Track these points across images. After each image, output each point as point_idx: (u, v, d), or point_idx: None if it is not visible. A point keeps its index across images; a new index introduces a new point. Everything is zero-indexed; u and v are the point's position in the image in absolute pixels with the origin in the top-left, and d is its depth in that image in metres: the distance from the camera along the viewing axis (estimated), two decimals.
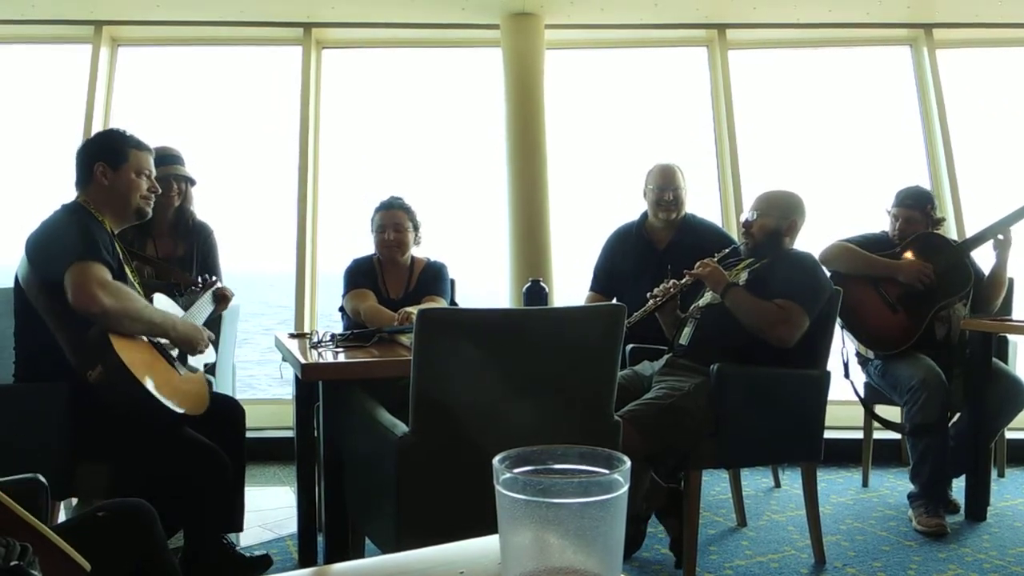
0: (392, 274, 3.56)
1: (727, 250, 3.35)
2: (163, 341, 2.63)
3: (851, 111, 6.70)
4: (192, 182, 3.53)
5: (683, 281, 3.23)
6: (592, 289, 4.09)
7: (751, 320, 3.01)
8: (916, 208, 3.84)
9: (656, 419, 2.81)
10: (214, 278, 3.30)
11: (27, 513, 1.08)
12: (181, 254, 3.45)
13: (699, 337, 3.15)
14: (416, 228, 3.57)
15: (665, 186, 3.87)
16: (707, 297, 3.23)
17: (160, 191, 2.87)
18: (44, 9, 5.13)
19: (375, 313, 3.27)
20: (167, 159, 3.37)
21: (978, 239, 3.77)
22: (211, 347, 3.03)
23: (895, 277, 3.71)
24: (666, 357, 3.24)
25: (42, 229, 2.60)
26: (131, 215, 2.78)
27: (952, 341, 3.70)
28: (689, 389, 2.90)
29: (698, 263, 3.21)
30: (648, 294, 3.29)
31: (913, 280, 3.67)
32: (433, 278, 3.54)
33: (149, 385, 2.40)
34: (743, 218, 3.36)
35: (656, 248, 3.90)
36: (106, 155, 2.71)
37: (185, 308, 2.95)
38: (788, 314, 2.97)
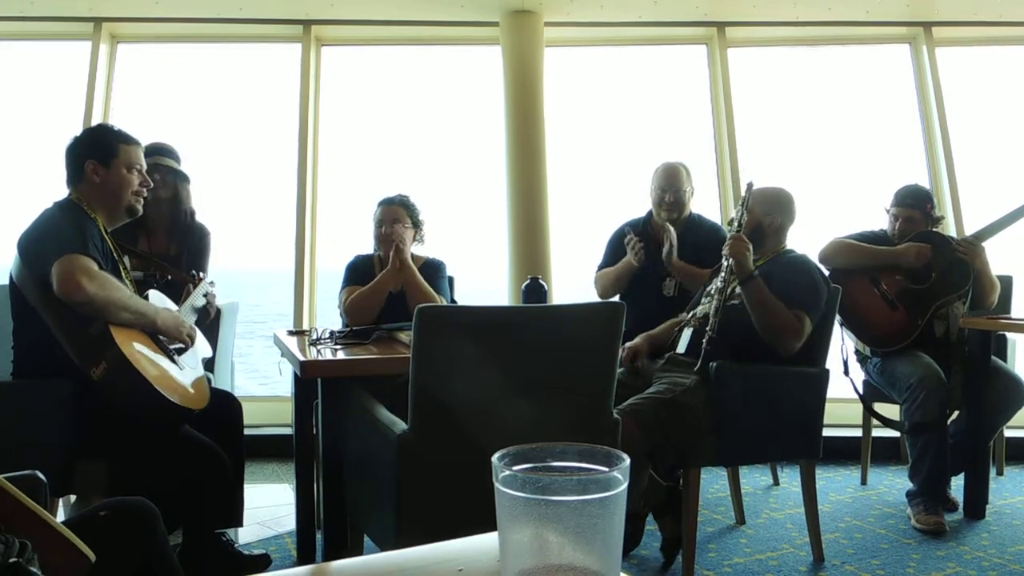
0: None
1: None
2: (162, 338, 2.63)
3: (850, 109, 6.70)
4: (186, 179, 3.48)
5: (726, 266, 3.08)
6: (600, 270, 4.05)
7: (765, 320, 2.97)
8: (916, 207, 3.85)
9: (656, 414, 2.80)
10: (202, 275, 3.27)
11: (31, 501, 1.08)
12: (174, 253, 3.42)
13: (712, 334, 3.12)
14: (417, 225, 3.56)
15: (666, 187, 3.86)
16: (706, 306, 3.19)
17: (152, 185, 2.86)
18: (44, 6, 5.12)
19: (354, 305, 3.29)
20: (153, 151, 3.32)
21: (978, 237, 3.77)
22: (206, 343, 3.03)
23: (898, 263, 3.72)
24: (667, 354, 3.23)
25: (34, 227, 2.60)
26: (123, 212, 2.77)
27: (951, 339, 3.71)
28: (690, 385, 2.90)
29: (730, 238, 3.06)
30: (712, 289, 3.18)
31: (915, 261, 3.67)
32: (432, 276, 3.54)
33: (152, 379, 2.40)
34: (732, 214, 3.35)
35: (660, 246, 3.89)
36: (96, 152, 2.69)
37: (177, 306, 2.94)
38: (802, 326, 2.96)
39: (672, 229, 3.78)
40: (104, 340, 2.40)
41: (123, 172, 2.71)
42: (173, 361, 2.62)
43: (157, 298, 2.82)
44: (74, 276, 2.39)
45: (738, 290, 3.07)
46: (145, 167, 2.82)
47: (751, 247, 3.06)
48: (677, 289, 3.77)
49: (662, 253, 3.73)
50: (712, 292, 3.16)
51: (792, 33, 5.64)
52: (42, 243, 2.53)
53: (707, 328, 3.01)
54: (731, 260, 3.03)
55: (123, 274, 2.71)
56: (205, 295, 3.17)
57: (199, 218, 3.56)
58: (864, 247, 3.81)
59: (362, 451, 2.48)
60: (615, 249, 4.06)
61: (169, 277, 3.16)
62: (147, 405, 2.41)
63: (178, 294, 3.07)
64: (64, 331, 2.49)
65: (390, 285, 3.33)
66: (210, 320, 3.28)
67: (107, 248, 2.65)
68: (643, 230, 3.98)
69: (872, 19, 5.42)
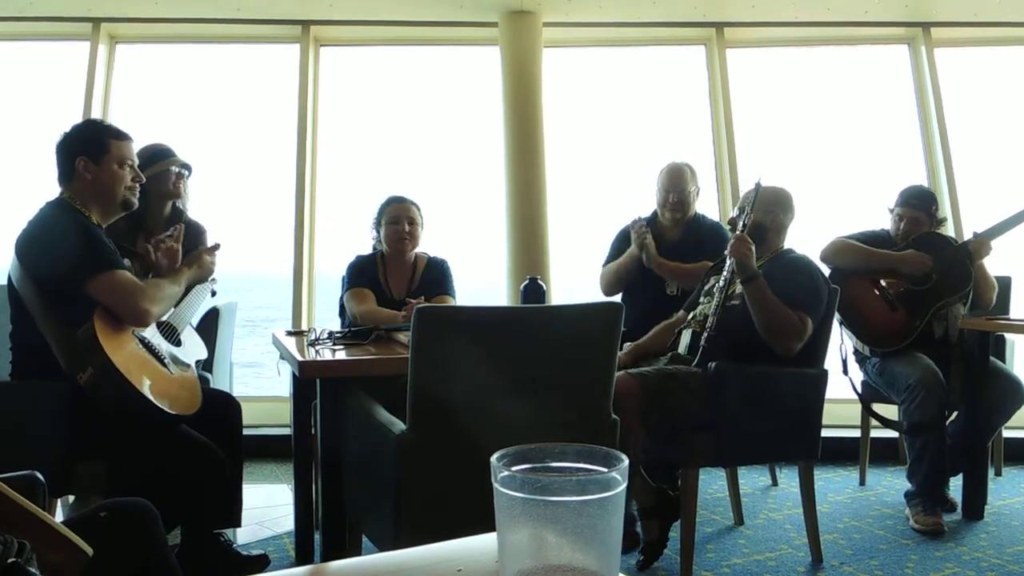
0: (395, 272, 3.55)
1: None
2: (153, 342, 2.62)
3: (849, 110, 6.72)
4: (189, 170, 3.48)
5: (728, 265, 3.10)
6: (606, 265, 4.06)
7: (768, 320, 2.96)
8: (921, 208, 3.84)
9: (660, 383, 2.85)
10: None
11: (26, 500, 1.08)
12: None
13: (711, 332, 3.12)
14: (422, 225, 3.58)
15: (670, 188, 3.87)
16: (705, 306, 3.19)
17: (144, 180, 2.82)
18: (42, 6, 5.12)
19: (370, 316, 3.26)
20: (161, 153, 3.32)
21: (983, 238, 3.77)
22: (201, 344, 3.02)
23: (897, 268, 3.72)
24: (670, 353, 3.23)
25: (33, 229, 2.57)
26: (117, 207, 2.73)
27: (950, 340, 3.70)
28: (695, 371, 2.93)
29: (733, 238, 3.06)
30: (715, 287, 3.18)
31: (915, 269, 3.67)
32: (438, 276, 3.54)
33: (140, 386, 2.39)
34: (731, 214, 3.35)
35: (665, 245, 3.89)
36: (87, 148, 2.66)
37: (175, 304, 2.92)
38: (805, 327, 2.96)
39: (647, 237, 3.79)
40: (91, 346, 2.37)
41: (115, 168, 2.67)
42: (163, 365, 2.61)
43: None
44: (135, 302, 2.50)
45: (739, 290, 3.07)
46: (137, 162, 2.79)
47: (753, 247, 3.05)
48: (680, 289, 3.77)
49: (675, 253, 3.75)
50: (712, 291, 3.17)
51: (791, 33, 5.65)
52: (48, 248, 2.51)
53: (705, 327, 3.02)
54: (733, 260, 3.03)
55: None
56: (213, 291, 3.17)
57: (196, 216, 3.55)
58: (866, 249, 3.80)
59: (361, 451, 2.48)
60: (620, 246, 4.05)
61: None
62: (136, 411, 2.40)
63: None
64: (52, 336, 2.49)
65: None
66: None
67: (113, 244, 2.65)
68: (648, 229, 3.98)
69: (871, 20, 5.42)
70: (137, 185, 2.77)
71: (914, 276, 3.70)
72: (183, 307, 2.92)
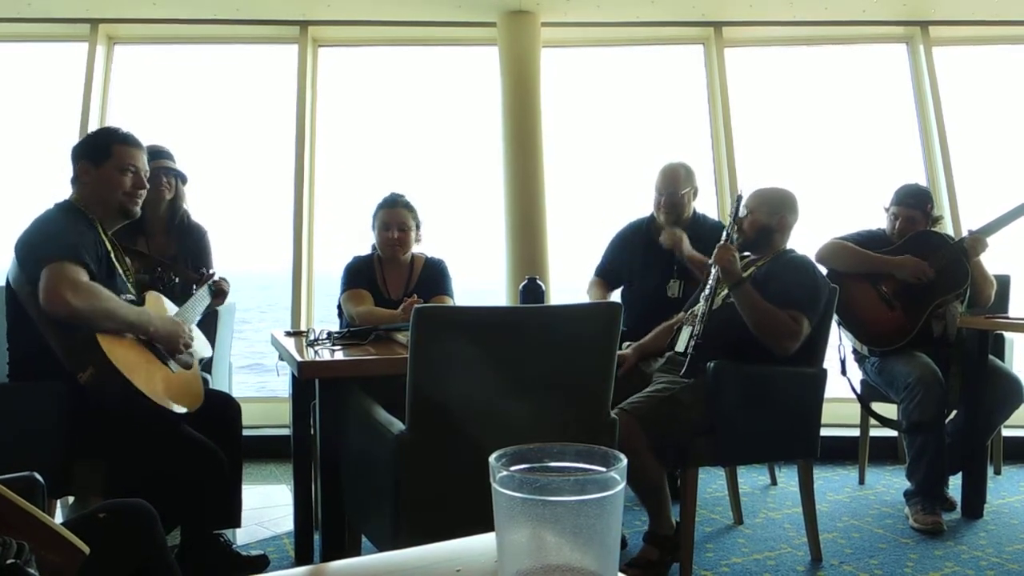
0: (392, 273, 3.55)
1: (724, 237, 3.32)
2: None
3: (847, 109, 6.72)
4: (184, 179, 3.48)
5: (713, 273, 3.12)
6: (597, 275, 4.08)
7: (759, 323, 2.97)
8: (917, 207, 3.84)
9: (655, 412, 2.82)
10: (212, 271, 3.26)
11: (25, 502, 1.08)
12: (173, 253, 3.40)
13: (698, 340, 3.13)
14: (418, 226, 3.56)
15: (663, 189, 3.87)
16: (703, 305, 3.19)
17: (148, 187, 2.80)
18: (40, 7, 5.11)
19: (368, 316, 3.26)
20: (155, 154, 3.31)
21: (981, 234, 3.77)
22: (206, 343, 3.02)
23: (893, 273, 3.72)
24: (668, 354, 3.23)
25: (30, 228, 2.58)
26: (116, 214, 2.72)
27: (949, 338, 3.70)
28: (688, 383, 2.91)
29: (716, 247, 3.09)
30: (702, 296, 3.18)
31: (910, 277, 3.67)
32: (437, 276, 3.53)
33: (140, 384, 2.39)
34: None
35: (664, 246, 3.89)
36: (89, 152, 2.67)
37: (181, 304, 2.93)
38: (799, 327, 2.96)
39: (677, 232, 3.79)
40: (90, 345, 2.37)
41: (113, 173, 2.67)
42: (164, 362, 2.60)
43: (156, 301, 2.80)
44: (59, 288, 2.36)
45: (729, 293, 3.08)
46: (146, 170, 2.77)
47: (736, 255, 3.08)
48: (681, 290, 3.76)
49: (675, 254, 3.75)
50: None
51: (789, 33, 5.64)
52: (35, 247, 2.51)
53: (692, 333, 3.03)
54: (717, 268, 3.05)
55: (124, 276, 2.70)
56: (212, 285, 3.15)
57: (195, 218, 3.56)
58: (862, 253, 3.80)
59: (360, 451, 2.48)
60: (614, 252, 4.05)
61: (176, 279, 3.14)
62: (136, 409, 2.39)
63: (189, 294, 3.04)
64: (52, 335, 2.48)
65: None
66: (221, 303, 3.28)
67: (103, 252, 2.63)
68: (646, 230, 3.98)
69: (869, 18, 5.42)
70: (140, 192, 2.74)
71: (910, 282, 3.70)
72: (188, 307, 2.92)
